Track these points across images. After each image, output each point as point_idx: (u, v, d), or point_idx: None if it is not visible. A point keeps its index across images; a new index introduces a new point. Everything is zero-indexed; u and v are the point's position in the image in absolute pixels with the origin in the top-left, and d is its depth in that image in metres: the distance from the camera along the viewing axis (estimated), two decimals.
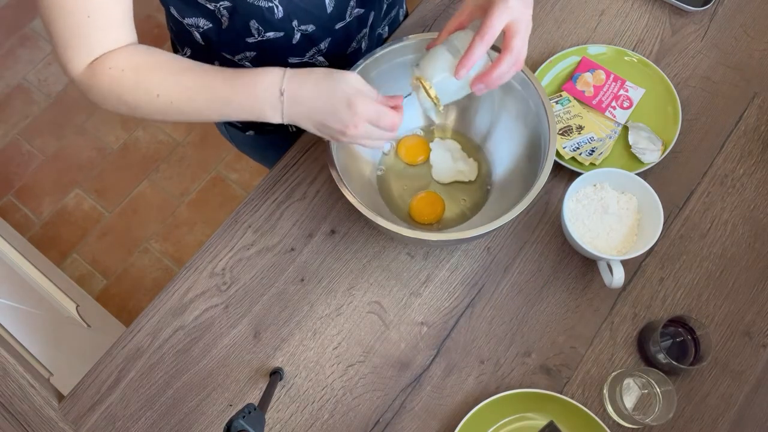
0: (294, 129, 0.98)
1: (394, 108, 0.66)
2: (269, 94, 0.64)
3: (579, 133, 0.89)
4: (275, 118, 0.66)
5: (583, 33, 0.97)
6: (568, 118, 0.90)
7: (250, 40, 0.78)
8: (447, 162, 0.86)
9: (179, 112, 0.67)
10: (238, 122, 0.96)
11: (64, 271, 1.84)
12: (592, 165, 0.86)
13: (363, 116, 0.63)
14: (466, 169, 0.86)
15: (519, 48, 0.64)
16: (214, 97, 0.65)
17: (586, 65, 0.93)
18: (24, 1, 2.26)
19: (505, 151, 0.85)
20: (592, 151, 0.87)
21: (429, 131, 0.89)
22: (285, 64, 0.68)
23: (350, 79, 0.64)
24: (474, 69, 0.65)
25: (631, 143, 0.87)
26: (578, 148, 0.87)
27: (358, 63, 0.77)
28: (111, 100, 0.67)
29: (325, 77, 0.64)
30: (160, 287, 0.87)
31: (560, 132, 0.89)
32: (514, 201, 0.72)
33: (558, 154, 0.87)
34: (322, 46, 0.82)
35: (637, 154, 0.86)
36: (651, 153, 0.86)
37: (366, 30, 0.87)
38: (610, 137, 0.88)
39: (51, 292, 1.44)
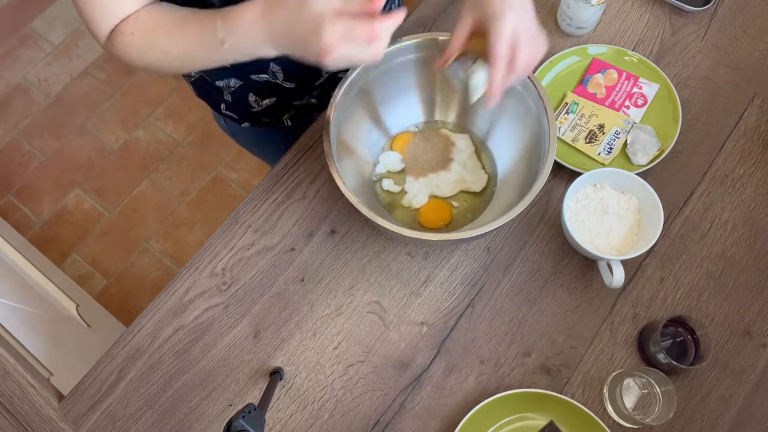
0: (290, 123, 0.98)
1: (369, 14, 0.58)
2: (253, 30, 0.62)
3: (603, 133, 0.88)
4: (270, 53, 0.63)
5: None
6: (585, 123, 0.89)
7: None
8: (451, 176, 0.86)
9: (192, 62, 0.70)
10: (234, 113, 0.96)
11: (64, 271, 1.84)
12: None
13: (331, 41, 0.57)
14: (473, 181, 0.85)
15: (522, 59, 0.64)
16: (214, 42, 0.65)
17: (596, 66, 0.93)
18: (24, 1, 2.26)
19: (505, 151, 0.85)
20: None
21: (428, 126, 0.89)
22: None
23: (314, 0, 0.58)
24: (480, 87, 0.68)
25: (628, 142, 0.87)
26: (612, 149, 0.87)
27: None
28: (134, 62, 0.71)
29: (296, 4, 0.59)
30: (160, 287, 0.87)
31: (587, 140, 0.88)
32: (514, 201, 0.72)
33: (595, 161, 0.87)
34: None
35: (629, 155, 0.86)
36: (642, 156, 0.86)
37: None
38: (626, 131, 0.88)
39: (51, 292, 1.44)
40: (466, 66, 0.69)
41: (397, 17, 0.58)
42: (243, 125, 0.99)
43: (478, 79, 0.69)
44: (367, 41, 0.57)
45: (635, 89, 0.91)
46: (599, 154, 0.87)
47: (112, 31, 0.69)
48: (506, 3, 0.63)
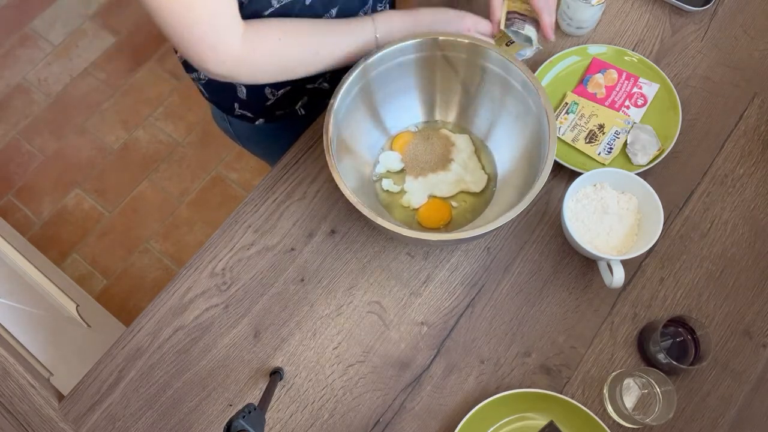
0: (303, 112, 0.98)
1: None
2: (403, 20, 0.81)
3: (603, 133, 0.88)
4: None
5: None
6: (585, 123, 0.89)
7: (269, 10, 0.78)
8: (450, 176, 0.86)
9: (338, 60, 0.79)
10: (248, 111, 0.97)
11: (64, 271, 1.84)
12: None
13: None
14: (472, 181, 0.85)
15: (553, 2, 0.84)
16: (369, 37, 0.79)
17: (596, 66, 0.93)
18: (24, 1, 2.26)
19: (505, 151, 0.85)
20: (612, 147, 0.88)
21: (428, 126, 0.89)
22: None
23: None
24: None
25: (628, 142, 0.87)
26: (612, 149, 0.87)
27: (357, 63, 0.77)
28: (272, 66, 0.76)
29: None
30: (160, 287, 0.87)
31: (587, 140, 0.88)
32: (514, 201, 0.72)
33: (595, 161, 0.87)
34: (326, 17, 0.82)
35: (629, 154, 0.86)
36: (643, 156, 0.86)
37: (370, 2, 0.87)
38: (626, 131, 0.88)
39: (51, 292, 1.44)
40: (517, 25, 0.85)
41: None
42: (257, 122, 0.99)
43: (530, 32, 0.85)
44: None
45: (635, 89, 0.91)
46: (599, 154, 0.87)
47: (245, 40, 0.71)
48: None
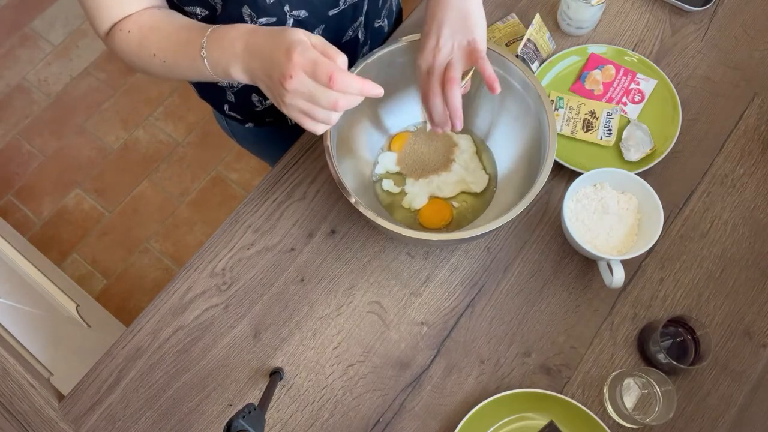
0: (293, 122, 0.98)
1: (332, 59, 0.58)
2: (233, 47, 0.63)
3: (596, 118, 0.89)
4: (239, 75, 0.64)
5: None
6: (576, 114, 0.89)
7: None
8: (451, 177, 0.86)
9: (171, 71, 0.70)
10: (237, 114, 0.96)
11: (64, 271, 1.84)
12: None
13: (298, 64, 0.57)
14: (473, 182, 0.85)
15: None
16: (195, 53, 0.65)
17: (594, 62, 0.93)
18: (24, 1, 2.26)
19: (505, 152, 0.85)
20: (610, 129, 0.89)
21: (425, 127, 0.89)
22: None
23: (297, 31, 0.60)
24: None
25: (623, 137, 0.87)
26: (611, 130, 0.88)
27: (357, 63, 0.77)
28: (127, 59, 0.72)
29: (278, 30, 0.61)
30: (160, 287, 0.87)
31: (585, 129, 0.89)
32: (514, 201, 0.72)
33: (599, 146, 0.87)
34: (316, 33, 0.82)
35: (622, 149, 0.87)
36: (635, 152, 0.86)
37: (361, 18, 0.87)
38: (617, 110, 0.89)
39: (51, 292, 1.44)
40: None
41: (367, 85, 0.59)
42: (247, 125, 0.99)
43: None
44: (327, 82, 0.56)
45: (633, 85, 0.91)
46: (601, 138, 0.88)
47: (113, 27, 0.71)
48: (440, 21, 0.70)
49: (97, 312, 1.74)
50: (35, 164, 2.00)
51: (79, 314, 1.46)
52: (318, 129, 0.62)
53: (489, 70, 0.69)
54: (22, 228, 1.91)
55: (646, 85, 0.91)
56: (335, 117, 0.61)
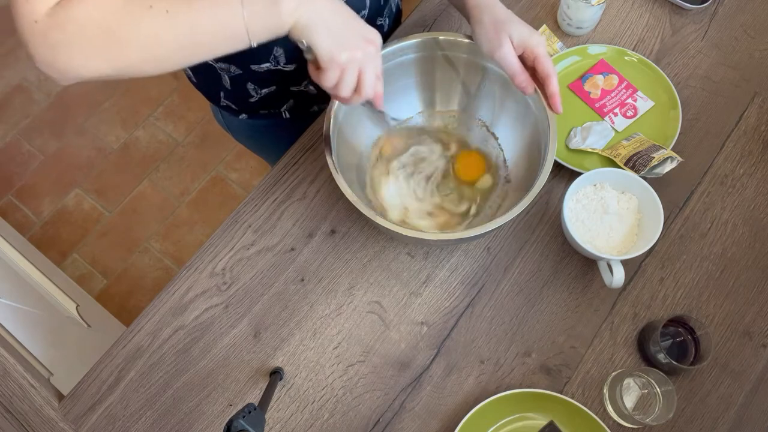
0: (288, 115, 0.98)
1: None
2: None
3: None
4: (306, 17, 0.58)
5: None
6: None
7: None
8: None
9: (174, 28, 0.55)
10: (232, 103, 0.96)
11: (64, 271, 1.84)
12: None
13: (374, 39, 0.64)
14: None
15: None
16: (231, 12, 0.57)
17: (601, 67, 0.93)
18: None
19: (505, 151, 0.85)
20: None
21: (426, 118, 0.89)
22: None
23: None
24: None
25: (581, 127, 0.89)
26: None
27: None
28: (89, 33, 0.53)
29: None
30: (160, 287, 0.87)
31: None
32: (514, 201, 0.72)
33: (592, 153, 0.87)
34: None
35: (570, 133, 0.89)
36: (595, 141, 0.88)
37: (365, 11, 0.87)
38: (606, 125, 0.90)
39: (51, 292, 1.44)
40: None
41: (379, 101, 0.69)
42: (241, 117, 0.99)
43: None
44: (376, 75, 0.65)
45: (629, 100, 0.91)
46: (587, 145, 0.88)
47: (55, 5, 0.53)
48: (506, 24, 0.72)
49: (97, 312, 1.74)
50: (35, 164, 2.00)
51: (79, 314, 1.46)
52: (341, 91, 0.65)
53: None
54: (22, 228, 1.91)
55: (643, 104, 0.91)
56: (355, 99, 0.67)
